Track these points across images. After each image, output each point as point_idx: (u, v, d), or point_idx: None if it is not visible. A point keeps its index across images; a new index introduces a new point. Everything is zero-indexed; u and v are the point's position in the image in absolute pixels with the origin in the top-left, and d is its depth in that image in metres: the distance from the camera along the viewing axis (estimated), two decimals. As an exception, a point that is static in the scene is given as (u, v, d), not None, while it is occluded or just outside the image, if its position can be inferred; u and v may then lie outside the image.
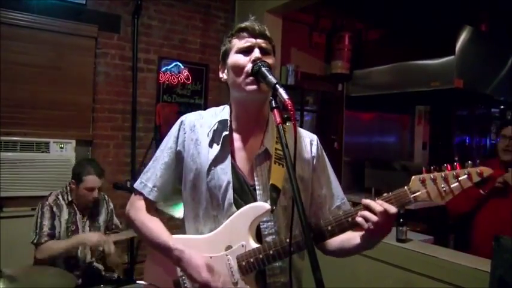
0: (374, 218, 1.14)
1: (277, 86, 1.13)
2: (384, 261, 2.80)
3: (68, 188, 2.79)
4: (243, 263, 1.25)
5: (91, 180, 2.71)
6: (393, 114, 5.64)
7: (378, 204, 1.15)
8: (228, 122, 1.36)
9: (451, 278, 2.43)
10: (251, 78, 1.25)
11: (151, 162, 1.45)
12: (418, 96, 4.90)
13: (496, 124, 5.57)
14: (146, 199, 1.42)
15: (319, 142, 1.47)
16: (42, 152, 3.55)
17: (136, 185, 1.45)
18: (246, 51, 1.29)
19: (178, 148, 1.39)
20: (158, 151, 1.45)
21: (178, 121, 1.43)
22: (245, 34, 1.31)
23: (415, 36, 4.40)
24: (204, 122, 1.40)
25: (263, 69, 1.21)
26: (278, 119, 1.10)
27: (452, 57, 3.99)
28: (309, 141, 1.43)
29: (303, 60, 4.74)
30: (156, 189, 1.41)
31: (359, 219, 1.17)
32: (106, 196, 2.97)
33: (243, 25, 1.33)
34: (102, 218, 2.89)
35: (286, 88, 1.12)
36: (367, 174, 4.90)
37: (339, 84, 5.06)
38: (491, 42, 4.43)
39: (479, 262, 2.43)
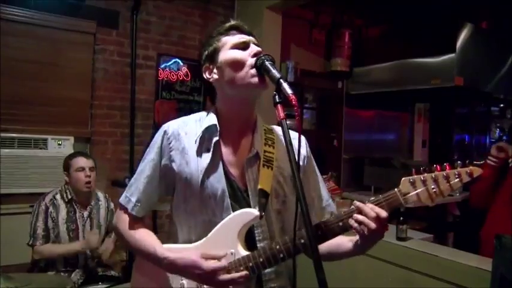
0: (367, 221, 1.11)
1: (281, 80, 1.10)
2: (384, 259, 2.79)
3: (66, 186, 2.78)
4: (233, 272, 1.20)
5: (78, 160, 2.75)
6: (393, 111, 5.63)
7: (370, 209, 1.12)
8: (217, 126, 1.29)
9: (451, 277, 2.42)
10: (254, 70, 1.21)
11: (135, 175, 1.38)
12: (418, 94, 4.88)
13: (495, 122, 5.56)
14: (130, 214, 1.36)
15: (306, 142, 1.43)
16: (40, 148, 3.53)
17: (122, 199, 1.39)
18: (242, 47, 1.25)
19: (163, 160, 1.32)
20: (142, 163, 1.37)
21: (161, 130, 1.34)
22: (235, 32, 1.28)
23: (416, 34, 4.38)
24: (189, 130, 1.32)
25: (267, 63, 1.17)
26: (281, 115, 1.06)
27: (452, 54, 3.98)
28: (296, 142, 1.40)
29: (302, 57, 4.72)
30: (139, 204, 1.35)
31: (353, 222, 1.13)
32: (107, 195, 2.96)
33: (232, 23, 1.30)
34: (102, 217, 2.87)
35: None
36: (367, 172, 4.88)
37: (339, 81, 5.04)
38: (492, 40, 4.42)
39: (480, 261, 2.41)
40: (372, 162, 4.90)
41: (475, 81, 4.17)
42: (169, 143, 1.31)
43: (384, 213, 1.11)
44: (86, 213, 2.80)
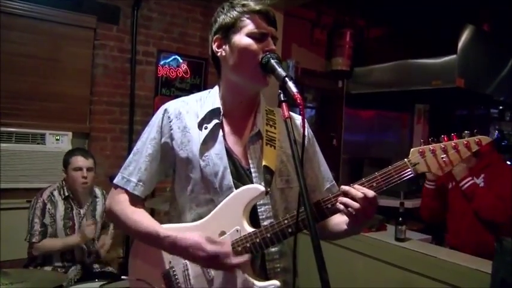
0: (354, 204, 1.11)
1: (286, 79, 1.10)
2: (382, 260, 2.79)
3: (64, 182, 2.76)
4: (239, 249, 1.19)
5: (76, 160, 2.71)
6: (393, 112, 5.63)
7: (357, 190, 1.12)
8: (221, 110, 1.30)
9: (450, 278, 2.42)
10: (260, 69, 1.21)
11: (131, 155, 1.36)
12: (419, 95, 4.88)
13: (494, 125, 5.56)
14: (130, 194, 1.33)
15: (307, 123, 1.43)
16: (38, 143, 3.50)
17: (118, 180, 1.35)
18: (259, 37, 1.23)
19: (163, 138, 1.31)
20: (139, 143, 1.36)
21: (161, 109, 1.33)
22: (259, 18, 1.24)
23: (417, 35, 4.38)
24: (190, 109, 1.32)
25: (272, 61, 1.17)
26: (286, 113, 1.07)
27: (454, 56, 3.98)
28: (299, 123, 1.38)
29: (303, 56, 4.72)
30: (141, 183, 1.32)
31: (340, 206, 1.14)
32: (104, 191, 2.94)
33: (258, 7, 1.24)
34: (99, 214, 2.85)
35: (296, 81, 1.09)
36: (366, 172, 4.85)
37: (339, 81, 5.04)
38: (493, 42, 4.42)
39: (479, 263, 2.41)
40: (371, 162, 4.90)
41: (476, 83, 4.17)
42: (170, 121, 1.30)
43: (370, 193, 1.11)
44: (82, 211, 2.78)
